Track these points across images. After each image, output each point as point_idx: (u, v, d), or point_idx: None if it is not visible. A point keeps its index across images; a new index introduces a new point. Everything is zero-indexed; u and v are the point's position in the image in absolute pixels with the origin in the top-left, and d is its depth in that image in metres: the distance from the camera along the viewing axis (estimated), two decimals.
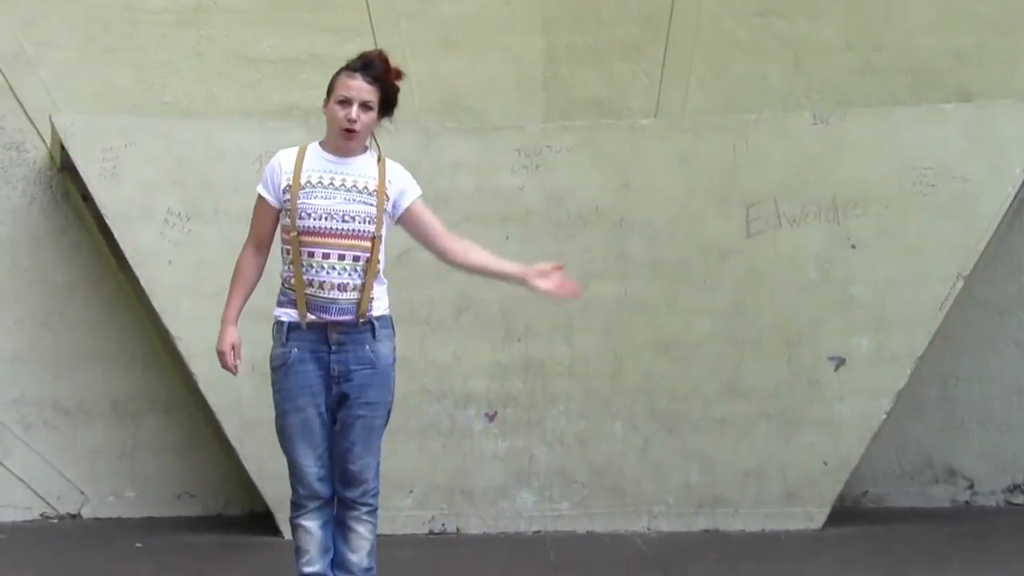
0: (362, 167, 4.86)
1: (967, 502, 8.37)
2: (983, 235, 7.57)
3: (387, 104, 4.91)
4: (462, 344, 7.67)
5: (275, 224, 4.90)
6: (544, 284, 4.95)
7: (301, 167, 4.82)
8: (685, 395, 7.66)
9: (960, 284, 7.55)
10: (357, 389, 4.78)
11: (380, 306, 4.85)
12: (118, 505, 8.30)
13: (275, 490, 7.56)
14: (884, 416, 7.59)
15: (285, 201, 4.79)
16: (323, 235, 4.73)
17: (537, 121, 8.03)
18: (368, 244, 4.78)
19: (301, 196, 4.76)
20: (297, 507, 4.87)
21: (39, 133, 8.17)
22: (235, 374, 4.96)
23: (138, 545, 7.38)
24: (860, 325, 7.60)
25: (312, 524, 4.85)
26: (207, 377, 7.54)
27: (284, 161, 4.87)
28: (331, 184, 4.78)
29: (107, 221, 7.64)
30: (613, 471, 7.71)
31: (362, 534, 4.87)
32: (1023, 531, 7.54)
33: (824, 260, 7.64)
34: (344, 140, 4.82)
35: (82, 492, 8.27)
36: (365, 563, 4.88)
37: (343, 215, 4.75)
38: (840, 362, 7.59)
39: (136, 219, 7.59)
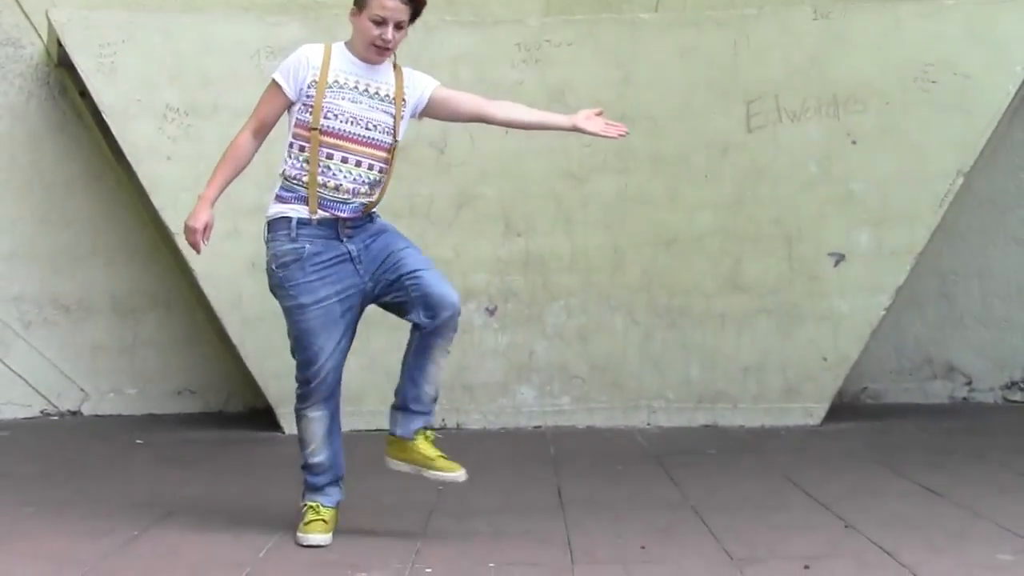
0: (384, 74, 4.81)
1: (965, 399, 8.43)
2: (984, 132, 7.55)
3: (413, 17, 4.84)
4: (462, 239, 7.66)
5: (281, 115, 4.84)
6: (591, 127, 4.93)
7: (328, 65, 4.74)
8: (685, 290, 7.68)
9: (960, 181, 7.54)
10: (385, 250, 4.75)
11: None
12: (118, 402, 8.34)
13: (276, 386, 7.59)
14: (883, 312, 7.62)
15: (308, 97, 4.71)
16: (346, 139, 4.69)
17: (537, 15, 7.93)
18: (385, 155, 4.76)
19: (328, 95, 4.69)
20: (305, 398, 4.86)
21: (35, 29, 8.09)
22: (198, 252, 4.91)
23: (138, 441, 7.41)
24: (860, 221, 7.60)
25: (320, 414, 4.84)
26: (207, 274, 7.54)
27: (312, 56, 4.76)
28: (356, 88, 4.72)
29: (105, 117, 7.61)
30: (613, 366, 7.75)
31: (442, 366, 4.82)
32: (1020, 428, 7.57)
33: (824, 156, 7.63)
34: (376, 56, 4.75)
35: (82, 389, 8.30)
36: (435, 392, 4.87)
37: (367, 122, 4.71)
38: (840, 258, 7.60)
39: (134, 115, 7.55)
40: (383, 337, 7.61)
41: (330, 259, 4.72)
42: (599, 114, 4.97)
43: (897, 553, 4.45)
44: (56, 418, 8.24)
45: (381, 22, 4.67)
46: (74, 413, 8.29)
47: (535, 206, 7.70)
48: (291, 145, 4.76)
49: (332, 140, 4.68)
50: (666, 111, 7.65)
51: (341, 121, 4.69)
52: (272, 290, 4.85)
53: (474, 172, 7.67)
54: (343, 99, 4.70)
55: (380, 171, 4.76)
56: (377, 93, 4.76)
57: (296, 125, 4.76)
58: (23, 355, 8.22)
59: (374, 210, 4.84)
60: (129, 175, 7.83)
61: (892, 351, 8.37)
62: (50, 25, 7.69)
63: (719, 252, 7.67)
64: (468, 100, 5.03)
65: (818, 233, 7.63)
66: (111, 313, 8.27)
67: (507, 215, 7.70)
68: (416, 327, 4.77)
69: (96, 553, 4.59)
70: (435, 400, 4.87)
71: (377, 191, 4.79)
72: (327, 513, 4.83)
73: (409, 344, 4.82)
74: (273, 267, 4.78)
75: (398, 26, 4.71)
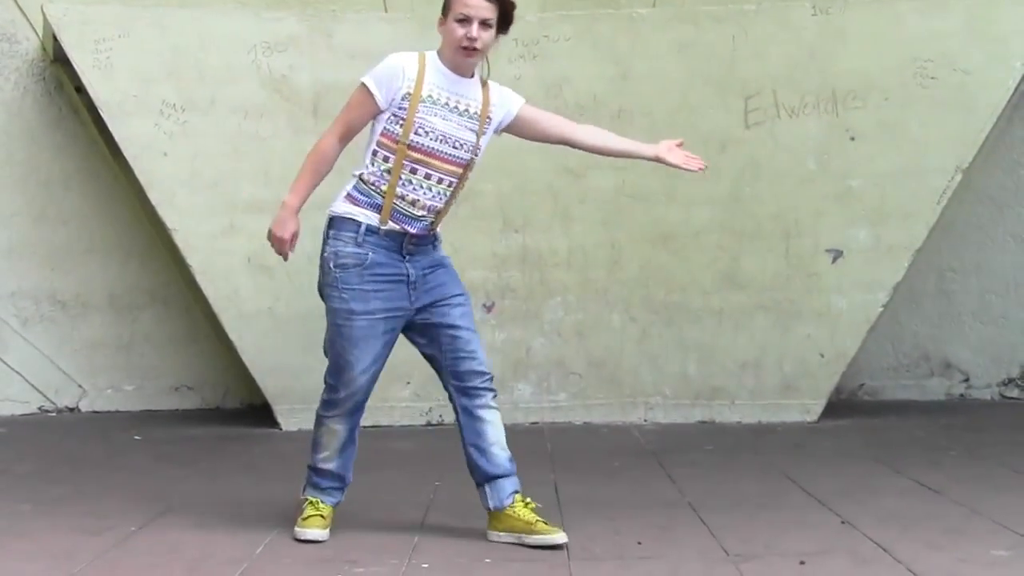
0: (473, 90, 4.75)
1: (962, 395, 8.44)
2: (983, 128, 7.54)
3: (504, 21, 4.76)
4: (460, 235, 7.58)
5: (368, 121, 4.75)
6: (672, 158, 4.91)
7: (423, 78, 4.68)
8: (683, 286, 7.68)
9: (959, 177, 7.53)
10: (440, 289, 4.74)
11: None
12: (116, 398, 8.35)
13: (273, 382, 7.60)
14: (881, 309, 7.62)
15: (400, 108, 4.65)
16: (433, 156, 4.64)
17: (535, 10, 7.90)
18: (461, 171, 4.71)
19: (421, 110, 4.63)
20: (331, 406, 4.80)
21: (31, 24, 8.08)
22: (286, 260, 4.86)
23: (136, 437, 7.41)
24: (858, 217, 7.60)
25: (341, 427, 4.80)
26: (204, 270, 7.55)
27: (408, 67, 4.69)
28: (447, 105, 4.66)
29: (101, 113, 7.59)
30: (610, 362, 7.75)
31: (495, 423, 4.78)
32: (1017, 425, 7.57)
33: (823, 152, 7.62)
34: (463, 58, 4.68)
35: (80, 386, 8.30)
36: (509, 453, 4.80)
37: (454, 141, 4.66)
38: (838, 254, 7.59)
39: (131, 110, 7.53)
40: None
41: (389, 275, 4.69)
42: (679, 145, 4.94)
43: (893, 549, 4.45)
44: (54, 414, 8.25)
45: (465, 20, 4.63)
46: (72, 410, 8.29)
47: (533, 202, 7.70)
48: (375, 153, 4.68)
49: (418, 156, 4.63)
50: (664, 107, 7.64)
51: (431, 139, 4.63)
52: (321, 288, 4.78)
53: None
54: (435, 116, 4.64)
55: (454, 186, 4.71)
56: (467, 110, 4.70)
57: (382, 134, 4.68)
58: (20, 351, 8.22)
59: (438, 231, 4.80)
60: (126, 171, 7.83)
61: (890, 348, 8.39)
62: (45, 20, 7.68)
63: (716, 248, 7.66)
64: (555, 122, 4.98)
65: (816, 229, 7.63)
66: (108, 309, 8.28)
67: (505, 211, 7.70)
68: (447, 390, 4.81)
69: (93, 549, 4.59)
70: (512, 461, 4.79)
71: (444, 209, 4.74)
72: (326, 510, 4.82)
73: (456, 418, 4.82)
74: (331, 265, 4.71)
75: (484, 24, 4.64)
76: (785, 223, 7.64)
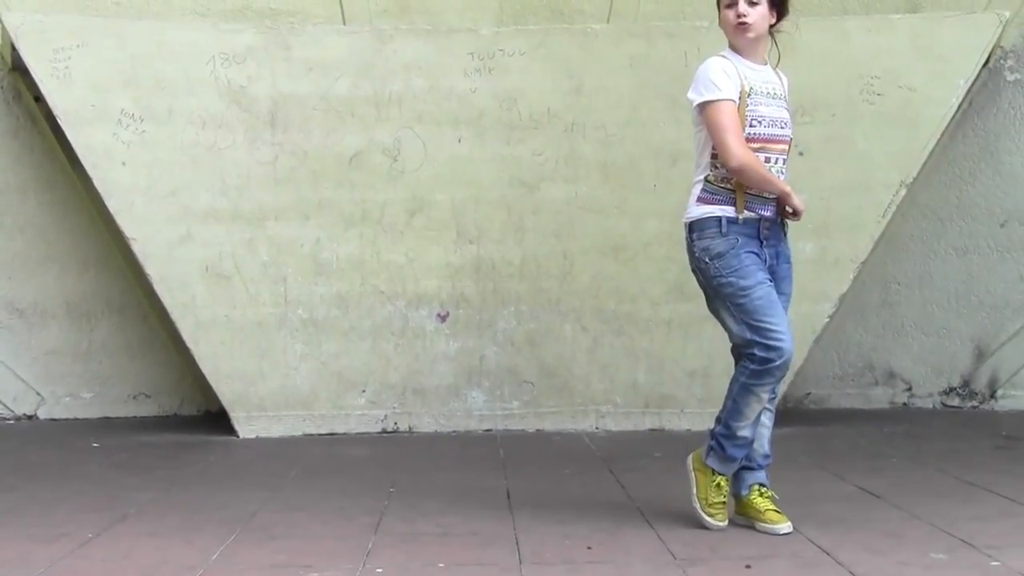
0: (771, 74, 5.04)
1: (905, 404, 8.54)
2: (926, 144, 7.66)
3: (779, 2, 4.98)
4: (414, 245, 7.73)
5: None
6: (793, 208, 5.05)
7: (740, 74, 4.89)
8: (633, 296, 7.75)
9: (903, 191, 7.66)
10: (782, 283, 5.01)
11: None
12: (74, 406, 8.36)
13: (230, 389, 7.64)
14: (827, 319, 7.71)
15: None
16: (768, 141, 4.89)
17: (490, 24, 8.01)
18: (788, 147, 5.01)
19: (750, 103, 4.86)
20: (766, 375, 4.86)
21: None
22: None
23: (94, 444, 7.41)
24: (805, 230, 7.60)
25: (767, 395, 4.95)
26: (161, 278, 7.58)
27: (732, 67, 4.90)
28: (763, 92, 4.92)
29: (60, 122, 7.60)
30: (562, 371, 7.83)
31: (764, 423, 5.05)
32: (956, 432, 7.64)
33: None
34: (741, 37, 4.91)
35: (38, 393, 8.30)
36: (765, 449, 5.08)
37: (781, 122, 4.95)
38: None
39: (89, 120, 7.55)
40: (333, 342, 7.72)
41: (756, 253, 4.89)
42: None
43: (835, 553, 4.55)
44: (12, 422, 8.24)
45: (731, 4, 4.88)
46: (30, 417, 8.29)
47: (486, 213, 7.77)
48: (716, 155, 4.90)
49: (757, 144, 4.87)
50: (616, 120, 7.72)
51: (764, 126, 4.90)
52: (707, 286, 4.99)
53: (426, 179, 7.73)
54: (760, 105, 4.90)
55: (785, 163, 4.98)
56: (776, 93, 4.99)
57: None
58: None
59: (787, 221, 5.06)
60: (83, 180, 7.84)
61: (835, 357, 8.49)
62: (3, 29, 7.70)
63: (667, 259, 7.72)
64: None
65: None
66: (66, 318, 8.28)
67: (459, 222, 7.76)
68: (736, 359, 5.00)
69: (48, 557, 4.62)
70: (765, 458, 5.08)
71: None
72: (726, 490, 5.06)
73: (729, 389, 5.00)
74: (706, 260, 4.92)
75: (750, 2, 4.87)
76: None
